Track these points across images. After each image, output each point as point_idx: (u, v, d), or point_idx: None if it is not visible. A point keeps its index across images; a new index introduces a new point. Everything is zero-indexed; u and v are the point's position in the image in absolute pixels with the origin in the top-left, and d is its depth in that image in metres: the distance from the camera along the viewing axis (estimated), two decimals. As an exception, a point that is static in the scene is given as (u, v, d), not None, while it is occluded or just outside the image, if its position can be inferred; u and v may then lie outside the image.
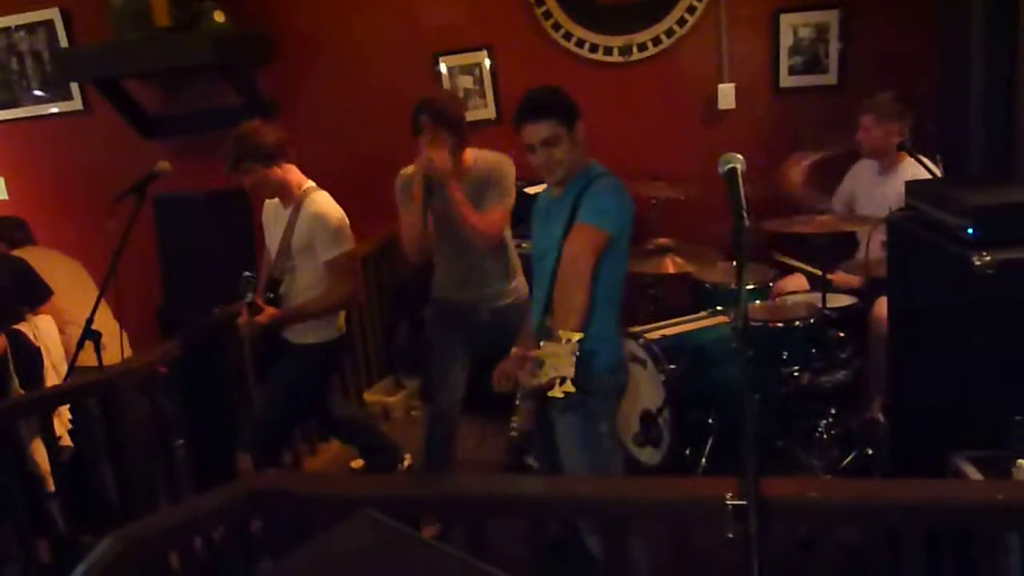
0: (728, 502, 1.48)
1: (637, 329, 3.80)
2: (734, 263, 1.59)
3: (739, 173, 1.68)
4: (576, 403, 2.49)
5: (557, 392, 2.13)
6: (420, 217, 3.05)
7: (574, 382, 2.11)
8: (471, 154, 3.23)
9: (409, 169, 3.24)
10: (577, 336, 2.16)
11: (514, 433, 2.62)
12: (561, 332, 2.17)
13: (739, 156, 1.70)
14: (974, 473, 2.01)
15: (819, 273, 3.54)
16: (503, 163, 3.23)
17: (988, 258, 2.03)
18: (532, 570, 2.05)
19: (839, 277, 3.75)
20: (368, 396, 4.77)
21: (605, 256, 2.45)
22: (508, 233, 3.34)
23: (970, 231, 2.12)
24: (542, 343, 2.24)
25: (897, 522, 1.76)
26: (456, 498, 2.08)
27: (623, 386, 2.67)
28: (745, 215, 1.59)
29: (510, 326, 3.08)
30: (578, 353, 2.18)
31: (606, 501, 1.88)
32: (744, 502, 1.48)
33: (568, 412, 2.51)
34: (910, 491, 1.71)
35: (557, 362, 2.11)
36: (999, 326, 2.12)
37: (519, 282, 3.39)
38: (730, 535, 1.49)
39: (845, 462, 3.40)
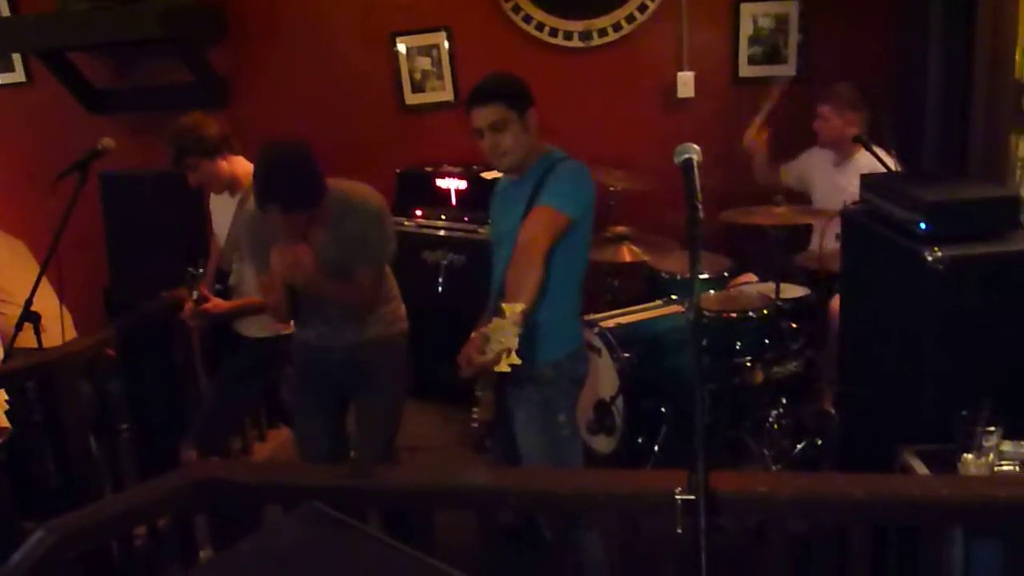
0: (677, 496, 1.47)
1: (593, 317, 3.80)
2: (689, 256, 1.56)
3: (695, 164, 1.66)
4: (533, 391, 2.47)
5: (503, 366, 2.09)
6: (285, 299, 2.75)
7: (519, 353, 2.07)
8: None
9: (250, 203, 2.83)
10: (519, 307, 2.12)
11: (475, 424, 2.59)
12: (504, 305, 2.14)
13: (695, 146, 1.67)
14: (921, 467, 2.03)
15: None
16: (368, 204, 2.80)
17: (940, 254, 2.04)
18: (484, 562, 2.03)
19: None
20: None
21: (564, 240, 2.41)
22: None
23: (923, 226, 2.13)
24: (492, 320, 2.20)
25: (844, 517, 1.77)
26: (406, 490, 2.04)
27: (584, 375, 2.63)
28: (700, 206, 1.57)
29: (367, 364, 2.90)
30: (522, 323, 2.14)
31: (557, 493, 1.86)
32: (693, 497, 1.46)
33: (527, 401, 2.48)
34: (857, 486, 1.71)
35: (500, 335, 2.07)
36: (948, 320, 2.13)
37: (387, 315, 3.00)
38: (679, 530, 1.47)
39: (795, 452, 3.43)
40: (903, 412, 2.32)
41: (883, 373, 2.48)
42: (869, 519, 1.76)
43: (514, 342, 2.06)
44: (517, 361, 2.07)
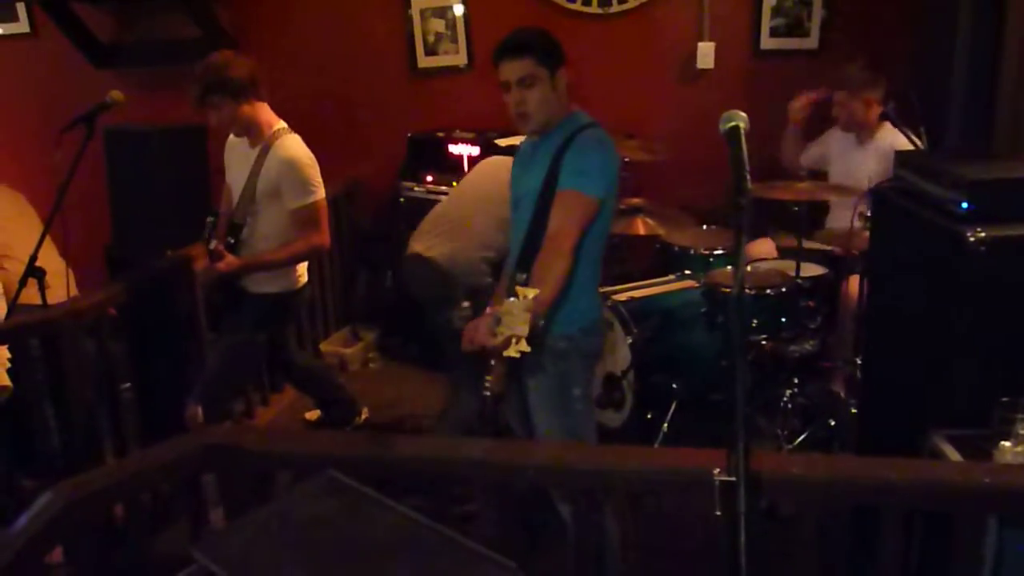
0: (716, 478, 1.41)
1: (605, 290, 3.73)
2: (734, 228, 1.49)
3: (742, 132, 1.57)
4: (548, 362, 2.41)
5: (512, 351, 2.02)
6: None
7: (529, 341, 2.01)
8: None
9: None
10: (532, 292, 2.06)
11: (487, 394, 2.53)
12: (519, 289, 2.07)
13: (742, 114, 1.58)
14: (952, 452, 1.98)
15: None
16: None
17: (983, 234, 1.97)
18: (498, 532, 1.99)
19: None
20: (325, 347, 4.64)
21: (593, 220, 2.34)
22: None
23: (964, 205, 2.06)
24: (505, 301, 2.13)
25: (879, 501, 1.72)
26: (422, 460, 1.99)
27: (599, 349, 2.57)
28: (748, 177, 1.49)
29: None
30: (538, 311, 2.10)
31: (583, 470, 1.81)
32: (732, 478, 1.40)
33: (541, 374, 2.43)
34: (894, 470, 1.66)
35: (511, 320, 2.01)
36: (986, 303, 2.07)
37: None
38: (717, 512, 1.41)
39: (807, 433, 3.39)
40: (931, 395, 2.26)
41: (910, 355, 2.42)
42: (905, 505, 1.71)
43: (524, 329, 1.99)
44: (526, 348, 2.01)
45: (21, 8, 5.27)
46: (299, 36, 4.98)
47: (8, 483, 3.06)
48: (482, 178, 3.57)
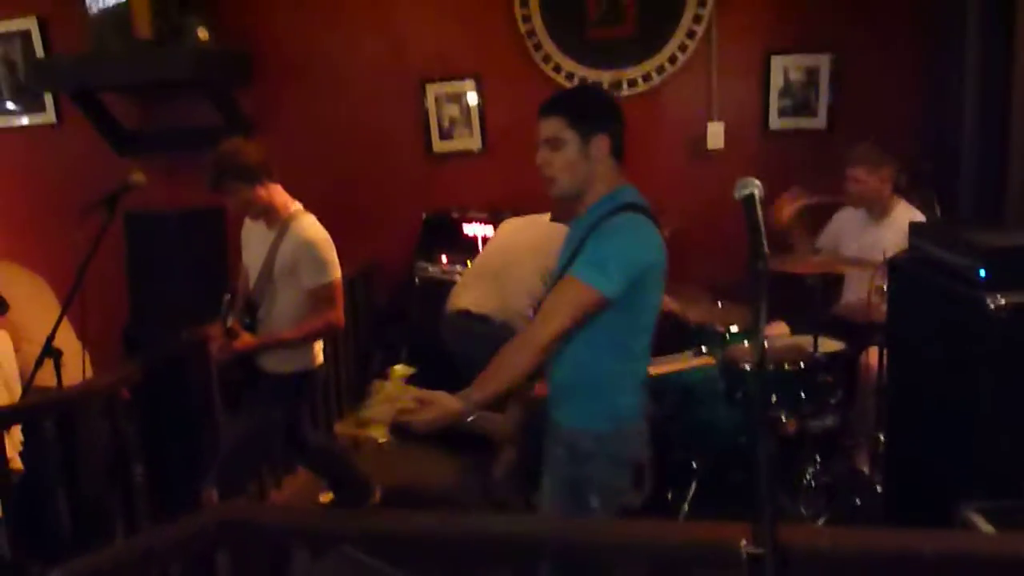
0: (744, 550, 1.37)
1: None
2: (752, 294, 1.48)
3: (757, 199, 1.59)
4: (567, 462, 2.20)
5: (372, 431, 1.98)
6: None
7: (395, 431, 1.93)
8: None
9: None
10: (409, 371, 1.97)
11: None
12: (393, 369, 1.99)
13: (756, 181, 1.60)
14: (985, 525, 1.92)
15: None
16: None
17: (1003, 301, 1.96)
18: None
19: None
20: (339, 427, 4.60)
21: (612, 311, 2.08)
22: None
23: (982, 273, 2.05)
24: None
25: (912, 575, 1.66)
26: (438, 535, 1.95)
27: (634, 457, 2.24)
28: (765, 243, 1.49)
29: None
30: (470, 402, 1.98)
31: (601, 544, 1.76)
32: (761, 550, 1.37)
33: (557, 472, 2.23)
34: (928, 542, 1.60)
35: (374, 403, 1.96)
36: (1009, 370, 2.04)
37: None
38: (746, 586, 1.37)
39: (832, 512, 3.31)
40: (958, 467, 2.21)
41: (934, 427, 2.38)
42: (938, 579, 1.65)
43: (387, 415, 1.93)
44: (384, 438, 1.94)
45: (48, 99, 5.43)
46: (318, 122, 5.10)
47: (18, 566, 3.00)
48: (517, 231, 3.59)
